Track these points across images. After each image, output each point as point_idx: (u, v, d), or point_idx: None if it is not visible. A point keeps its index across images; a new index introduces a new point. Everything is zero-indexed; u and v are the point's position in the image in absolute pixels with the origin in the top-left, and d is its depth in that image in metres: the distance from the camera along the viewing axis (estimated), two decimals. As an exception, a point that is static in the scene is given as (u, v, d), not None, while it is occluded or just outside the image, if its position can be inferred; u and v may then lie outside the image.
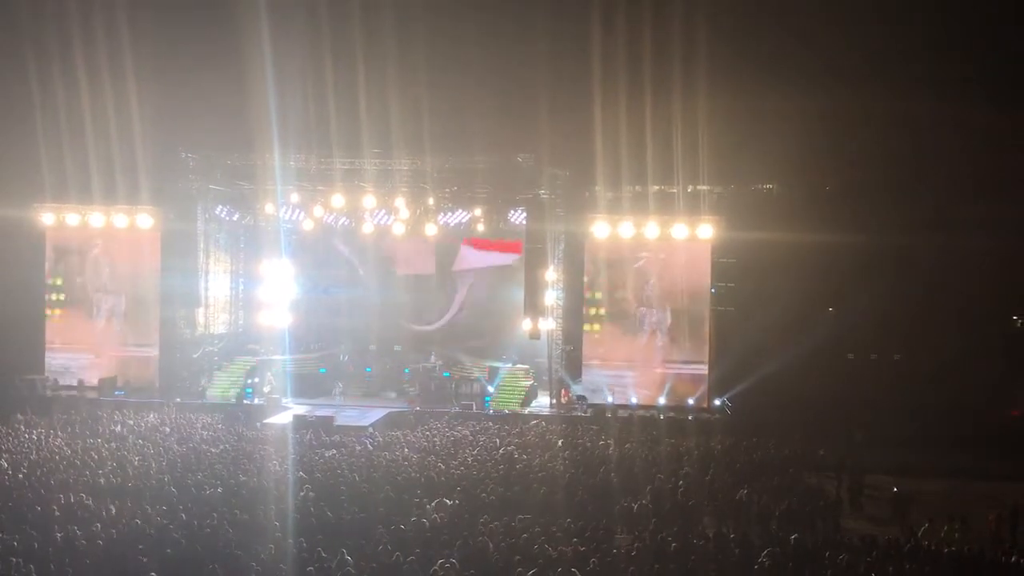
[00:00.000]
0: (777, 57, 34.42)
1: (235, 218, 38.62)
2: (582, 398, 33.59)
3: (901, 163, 34.29)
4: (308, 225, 37.66)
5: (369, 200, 34.50)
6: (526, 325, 34.32)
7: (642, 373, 34.26)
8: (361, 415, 31.68)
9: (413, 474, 21.41)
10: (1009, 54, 32.69)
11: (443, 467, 22.21)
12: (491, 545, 15.60)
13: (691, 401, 33.49)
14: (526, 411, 33.36)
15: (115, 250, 36.85)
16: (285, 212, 37.23)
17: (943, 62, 32.98)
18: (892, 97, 33.57)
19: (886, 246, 32.88)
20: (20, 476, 20.71)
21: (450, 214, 36.88)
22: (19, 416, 28.45)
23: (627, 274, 34.45)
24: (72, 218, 36.07)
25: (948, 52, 32.99)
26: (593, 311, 34.83)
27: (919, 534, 17.91)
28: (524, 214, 35.34)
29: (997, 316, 34.17)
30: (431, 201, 35.24)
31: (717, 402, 33.45)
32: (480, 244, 39.09)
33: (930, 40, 32.89)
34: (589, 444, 26.46)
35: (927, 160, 33.97)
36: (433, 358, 37.13)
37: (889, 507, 21.81)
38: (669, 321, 34.23)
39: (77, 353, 36.33)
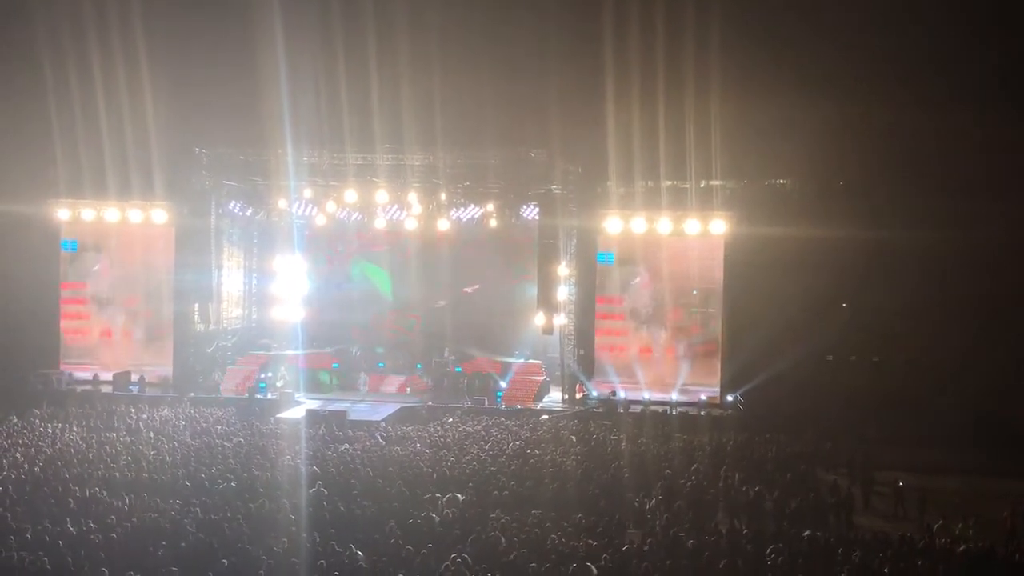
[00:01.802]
0: (790, 51, 34.21)
1: (248, 214, 38.79)
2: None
3: (916, 158, 34.04)
4: (321, 220, 37.75)
5: (382, 195, 34.58)
6: (539, 320, 34.34)
7: (653, 371, 34.38)
8: (373, 410, 31.79)
9: (426, 469, 21.45)
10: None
11: (455, 462, 22.25)
12: (503, 540, 15.62)
13: (703, 397, 33.47)
14: (538, 406, 33.37)
15: (129, 253, 37.13)
16: (298, 208, 37.37)
17: (961, 61, 32.75)
18: (908, 92, 33.39)
19: (900, 242, 32.65)
20: (36, 470, 20.86)
21: (462, 209, 36.89)
22: (34, 410, 28.64)
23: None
24: (87, 213, 36.28)
25: (966, 51, 32.74)
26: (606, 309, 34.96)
27: (933, 531, 17.84)
28: (536, 209, 35.33)
29: (1013, 312, 33.89)
30: (443, 196, 35.28)
31: (729, 398, 33.40)
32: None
33: (946, 37, 32.64)
34: (601, 439, 26.47)
35: (943, 155, 33.72)
36: (446, 353, 37.20)
37: (896, 502, 21.81)
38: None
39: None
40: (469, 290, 38.80)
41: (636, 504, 19.36)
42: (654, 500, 19.54)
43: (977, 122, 32.39)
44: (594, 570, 14.15)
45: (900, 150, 34.05)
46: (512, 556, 14.74)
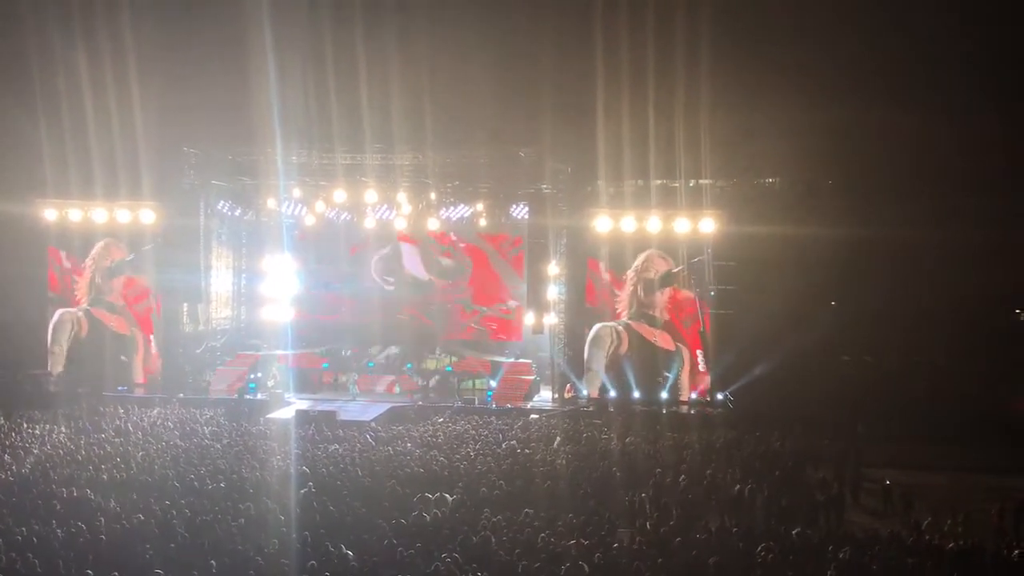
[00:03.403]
0: (779, 50, 34.32)
1: (237, 213, 38.66)
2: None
3: (904, 156, 34.19)
4: (310, 220, 37.66)
5: (371, 195, 34.52)
6: (529, 320, 34.33)
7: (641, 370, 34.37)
8: (363, 410, 31.75)
9: (416, 468, 21.44)
10: (1010, 55, 32.62)
11: (446, 461, 22.25)
12: (494, 539, 15.62)
13: (693, 395, 33.52)
14: (528, 406, 33.39)
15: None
16: (287, 207, 37.28)
17: (948, 61, 32.91)
18: (895, 91, 33.55)
19: (888, 240, 32.81)
20: (24, 471, 20.79)
21: (452, 209, 36.86)
22: (22, 412, 28.49)
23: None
24: (75, 213, 36.07)
25: (953, 51, 32.89)
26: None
27: (922, 528, 17.91)
28: (526, 209, 35.33)
29: (1000, 309, 34.12)
30: (433, 196, 35.25)
31: (719, 396, 33.46)
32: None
33: (932, 38, 32.78)
34: (591, 438, 26.49)
35: (931, 154, 33.86)
36: (437, 352, 37.20)
37: (884, 500, 21.89)
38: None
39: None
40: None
41: (626, 503, 19.40)
42: (644, 498, 19.59)
43: (965, 121, 32.55)
44: (586, 569, 14.17)
45: (888, 149, 34.20)
46: (502, 555, 14.75)
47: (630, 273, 34.02)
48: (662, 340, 33.89)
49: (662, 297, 33.83)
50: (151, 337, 36.08)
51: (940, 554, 16.08)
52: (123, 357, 35.51)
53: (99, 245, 36.14)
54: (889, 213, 33.26)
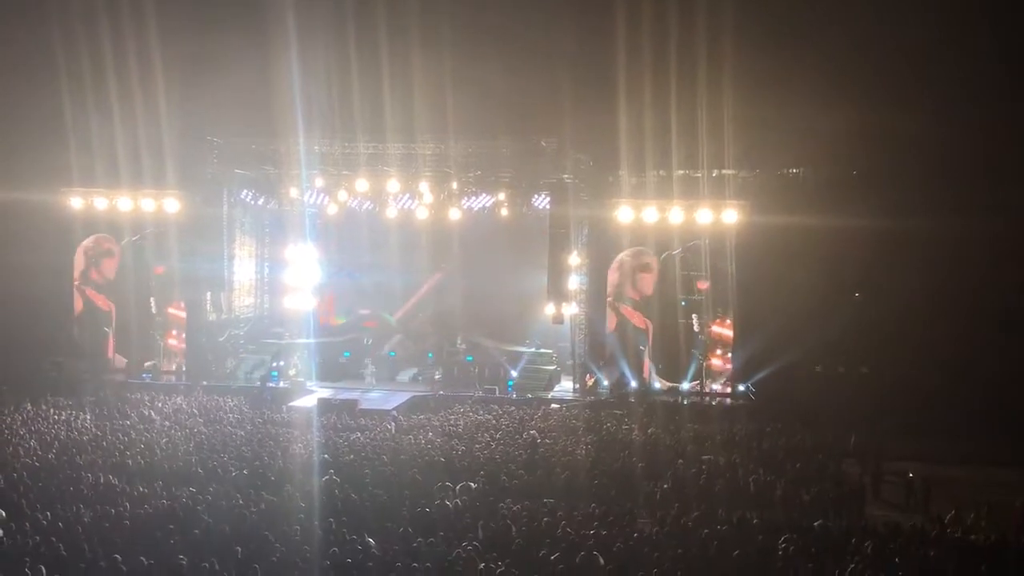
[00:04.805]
0: (804, 38, 34.03)
1: (260, 202, 38.78)
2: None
3: (930, 146, 33.80)
4: (332, 209, 37.74)
5: (393, 184, 34.53)
6: (549, 310, 34.30)
7: (664, 360, 34.38)
8: (385, 399, 31.88)
9: (437, 457, 21.53)
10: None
11: (466, 451, 22.33)
12: (514, 528, 15.67)
13: (715, 387, 33.42)
14: (549, 396, 33.40)
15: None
16: (309, 196, 37.37)
17: (978, 52, 32.47)
18: (923, 81, 33.17)
19: (913, 231, 32.50)
20: (50, 457, 21.03)
21: (474, 198, 36.81)
22: (48, 398, 28.81)
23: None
24: (100, 202, 36.36)
25: (983, 41, 32.46)
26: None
27: (945, 521, 17.77)
28: (548, 199, 35.25)
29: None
30: (455, 185, 35.19)
31: (741, 388, 33.34)
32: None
33: (961, 29, 32.36)
34: (612, 429, 26.48)
35: (958, 144, 33.46)
36: (458, 342, 37.23)
37: (906, 493, 21.75)
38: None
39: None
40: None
41: (647, 493, 19.39)
42: (665, 489, 19.57)
43: (994, 111, 32.13)
44: (601, 560, 14.18)
45: (914, 139, 33.81)
46: (523, 544, 14.78)
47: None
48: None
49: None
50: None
51: (963, 547, 15.96)
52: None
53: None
54: (915, 204, 32.91)
